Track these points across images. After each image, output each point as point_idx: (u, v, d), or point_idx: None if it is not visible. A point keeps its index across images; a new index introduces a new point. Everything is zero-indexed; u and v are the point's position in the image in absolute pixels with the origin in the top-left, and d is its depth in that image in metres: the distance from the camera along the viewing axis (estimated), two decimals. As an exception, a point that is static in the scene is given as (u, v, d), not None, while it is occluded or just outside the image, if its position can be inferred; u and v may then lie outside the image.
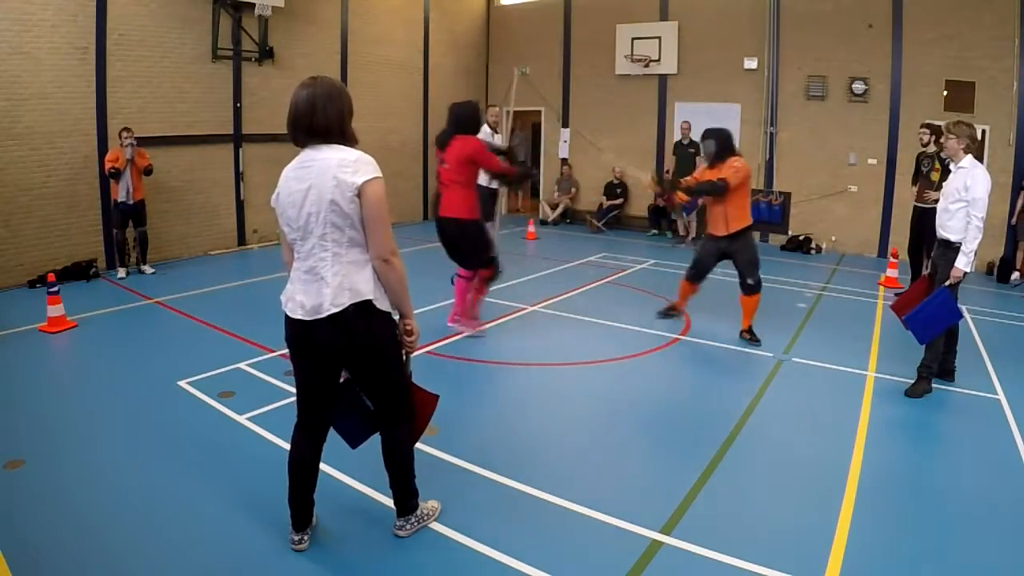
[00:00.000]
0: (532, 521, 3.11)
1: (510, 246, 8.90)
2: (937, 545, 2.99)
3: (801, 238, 10.65)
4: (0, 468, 3.44)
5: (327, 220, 2.46)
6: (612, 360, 5.41)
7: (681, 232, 11.00)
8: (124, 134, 7.53)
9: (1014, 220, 8.94)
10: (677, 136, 11.22)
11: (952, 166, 4.73)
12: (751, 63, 10.94)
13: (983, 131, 9.26)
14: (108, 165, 7.51)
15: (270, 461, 3.48)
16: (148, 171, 7.81)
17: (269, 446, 3.74)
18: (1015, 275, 8.75)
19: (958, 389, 4.88)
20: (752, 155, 6.76)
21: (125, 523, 3.01)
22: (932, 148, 7.24)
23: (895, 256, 8.78)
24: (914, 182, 7.69)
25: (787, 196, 10.10)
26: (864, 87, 10.06)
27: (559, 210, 12.83)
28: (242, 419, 4.05)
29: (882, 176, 10.10)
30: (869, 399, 4.67)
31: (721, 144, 5.62)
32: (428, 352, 5.38)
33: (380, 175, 2.51)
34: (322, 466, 3.43)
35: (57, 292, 5.83)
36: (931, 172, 7.22)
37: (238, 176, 9.49)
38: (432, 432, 3.93)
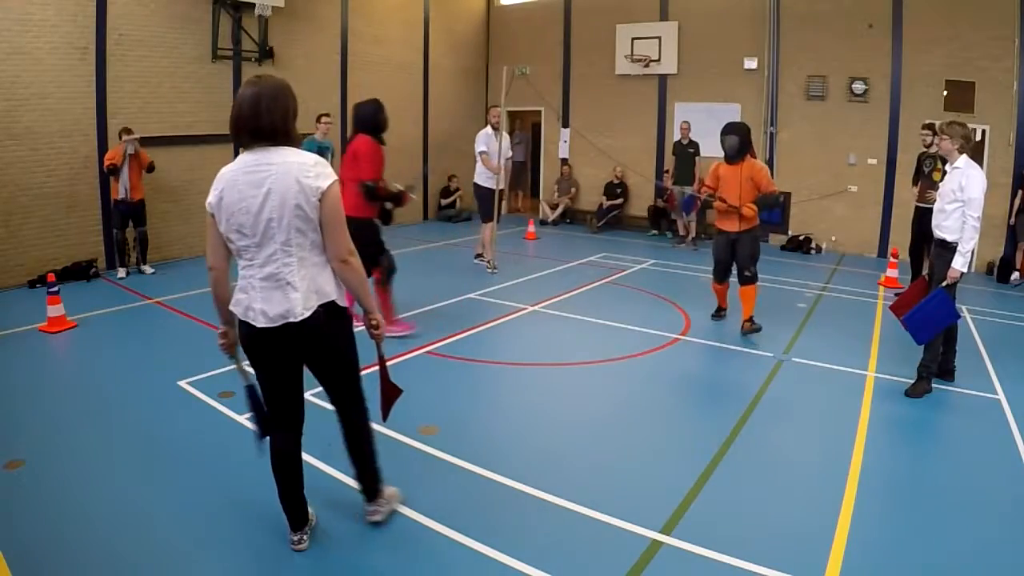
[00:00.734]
0: (532, 521, 3.11)
1: (510, 246, 8.90)
2: (937, 545, 2.99)
3: (801, 238, 10.65)
4: (0, 468, 3.44)
5: (291, 225, 2.45)
6: (612, 360, 5.40)
7: (681, 232, 11.00)
8: (125, 136, 7.55)
9: (1012, 220, 8.94)
10: (676, 136, 11.19)
11: (947, 166, 4.75)
12: (751, 63, 10.94)
13: (983, 131, 9.27)
14: (107, 162, 7.52)
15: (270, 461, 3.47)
16: (150, 168, 7.82)
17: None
18: (1015, 275, 8.75)
19: (958, 389, 4.88)
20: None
21: (125, 523, 3.00)
22: (935, 148, 7.25)
23: (895, 256, 8.78)
24: (915, 182, 7.69)
25: (787, 196, 10.10)
26: (864, 87, 10.06)
27: (559, 210, 12.83)
28: (242, 419, 4.04)
29: (882, 176, 10.10)
30: (869, 399, 4.67)
31: (743, 139, 5.76)
32: (428, 352, 5.38)
33: (336, 178, 2.55)
34: (321, 465, 3.45)
35: (57, 292, 5.83)
36: (933, 172, 7.23)
37: (238, 176, 9.46)
38: (432, 432, 3.94)
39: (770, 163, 10.85)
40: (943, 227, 4.64)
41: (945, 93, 9.44)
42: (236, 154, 2.68)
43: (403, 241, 10.25)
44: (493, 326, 6.17)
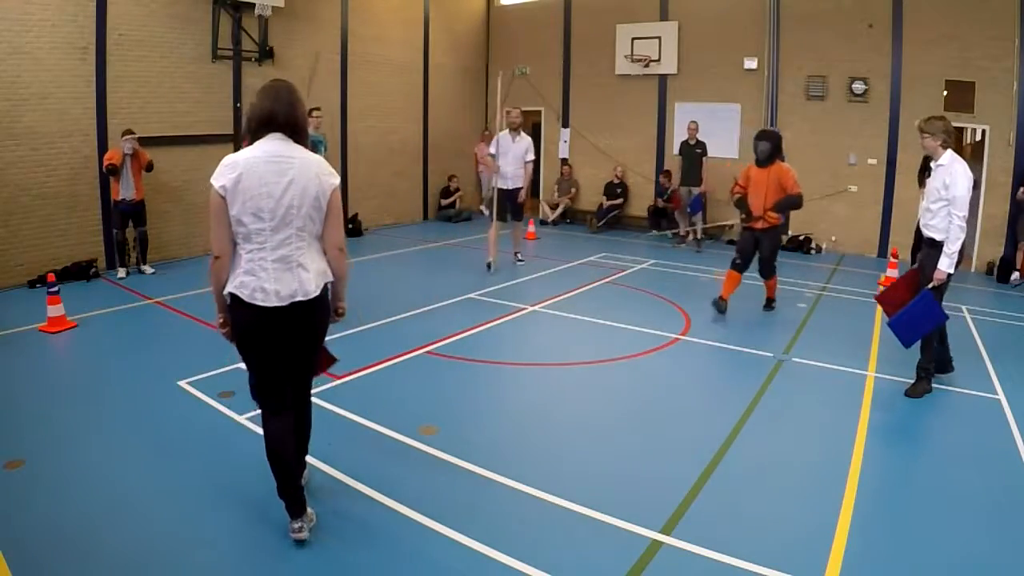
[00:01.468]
0: (532, 521, 3.11)
1: (511, 246, 8.90)
2: (937, 545, 2.99)
3: (801, 238, 10.65)
4: (0, 468, 3.44)
5: (307, 214, 2.70)
6: (612, 360, 5.40)
7: (681, 232, 10.99)
8: (125, 136, 7.55)
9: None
10: (681, 136, 11.13)
11: (931, 164, 4.67)
12: (751, 63, 10.94)
13: (983, 131, 9.28)
14: (106, 162, 7.52)
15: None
16: (149, 167, 7.82)
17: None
18: (1015, 275, 8.74)
19: (958, 389, 4.88)
20: (752, 155, 6.77)
21: (125, 523, 3.01)
22: None
23: (895, 256, 8.78)
24: (920, 183, 7.68)
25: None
26: (864, 87, 10.06)
27: (559, 210, 12.83)
28: (242, 419, 4.05)
29: (882, 176, 10.09)
30: (869, 399, 4.67)
31: (774, 145, 6.43)
32: (428, 352, 5.38)
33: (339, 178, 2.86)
34: (321, 465, 3.45)
35: (57, 292, 5.83)
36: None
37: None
38: (432, 432, 3.94)
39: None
40: (930, 226, 4.62)
41: (945, 93, 9.44)
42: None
43: (403, 241, 10.29)
44: (493, 326, 6.17)
